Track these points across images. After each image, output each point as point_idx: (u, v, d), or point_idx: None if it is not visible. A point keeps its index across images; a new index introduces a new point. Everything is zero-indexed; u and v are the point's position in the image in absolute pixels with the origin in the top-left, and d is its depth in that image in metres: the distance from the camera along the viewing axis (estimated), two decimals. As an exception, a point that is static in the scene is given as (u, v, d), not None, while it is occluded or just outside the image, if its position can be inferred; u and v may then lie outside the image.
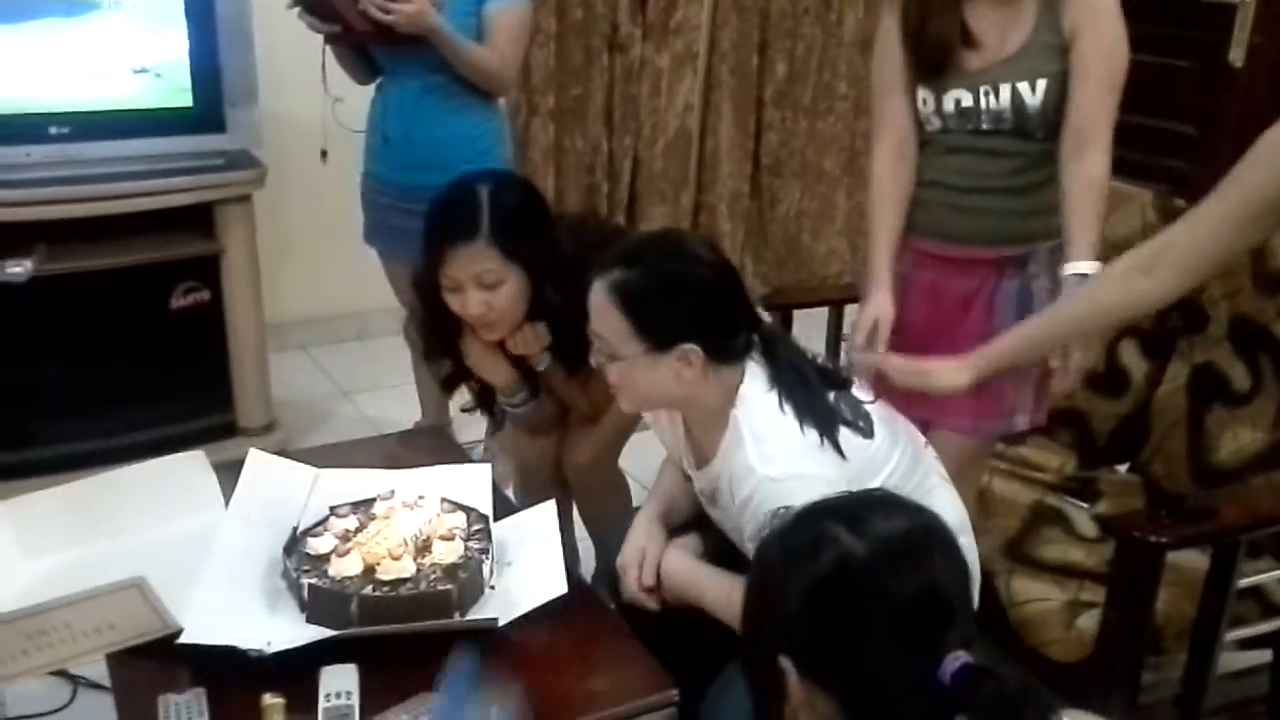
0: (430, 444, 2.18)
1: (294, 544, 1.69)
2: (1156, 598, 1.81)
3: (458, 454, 2.14)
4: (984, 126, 2.00)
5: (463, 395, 2.26)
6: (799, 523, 1.10)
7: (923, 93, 2.05)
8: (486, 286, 1.91)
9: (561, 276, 1.92)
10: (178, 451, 1.89)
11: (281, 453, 1.98)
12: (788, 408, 1.60)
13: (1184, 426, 2.35)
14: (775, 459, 1.56)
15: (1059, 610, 1.95)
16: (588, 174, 4.15)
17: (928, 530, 1.07)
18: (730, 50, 4.24)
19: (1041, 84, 1.94)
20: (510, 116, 3.70)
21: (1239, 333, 2.28)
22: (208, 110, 2.86)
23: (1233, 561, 1.84)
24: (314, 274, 3.89)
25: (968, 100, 2.00)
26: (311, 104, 2.81)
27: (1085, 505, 2.33)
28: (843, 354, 2.32)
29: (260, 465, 1.87)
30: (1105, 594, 1.88)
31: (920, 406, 1.94)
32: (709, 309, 1.62)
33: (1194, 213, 1.54)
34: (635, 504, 2.11)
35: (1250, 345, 2.26)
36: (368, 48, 2.70)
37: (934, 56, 2.00)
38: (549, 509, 1.83)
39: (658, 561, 1.74)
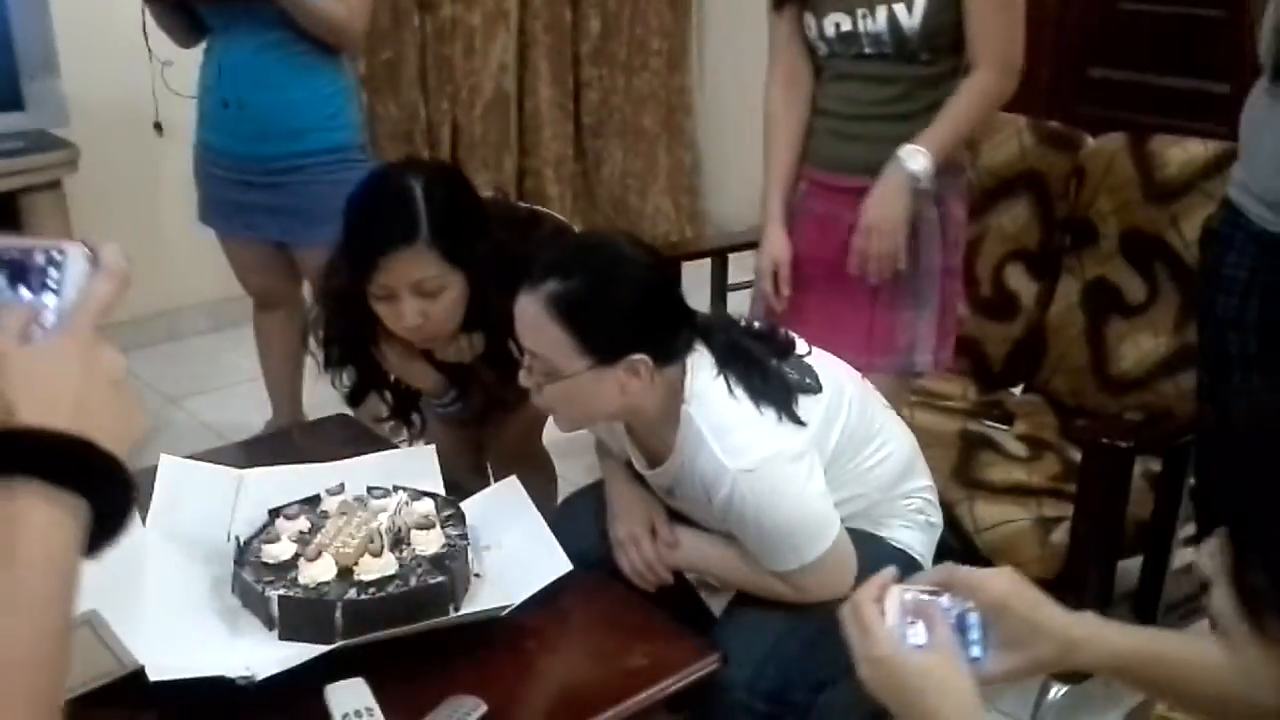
0: (343, 433, 1.95)
1: (245, 554, 1.46)
2: (1128, 503, 1.83)
3: (380, 440, 1.92)
4: (866, 51, 1.96)
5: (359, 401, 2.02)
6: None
7: (806, 17, 2.02)
8: (425, 295, 1.66)
9: (504, 278, 1.64)
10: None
11: (199, 457, 1.72)
12: (739, 391, 1.49)
13: (1083, 341, 2.41)
14: (742, 450, 1.47)
15: (1030, 529, 1.95)
16: (406, 142, 3.91)
17: None
18: (542, 6, 4.09)
19: (920, 4, 1.90)
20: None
21: (1131, 245, 2.34)
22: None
23: (1185, 460, 1.88)
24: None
25: (846, 24, 1.96)
26: (135, 72, 2.48)
27: (1005, 428, 2.35)
28: (750, 303, 2.25)
29: (175, 473, 1.62)
30: (1073, 507, 1.88)
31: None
32: (654, 314, 1.49)
33: None
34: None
35: (1144, 256, 2.32)
36: (190, 4, 2.40)
37: None
38: (514, 484, 1.67)
39: (662, 530, 1.62)
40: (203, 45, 2.50)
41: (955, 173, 2.04)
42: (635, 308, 1.47)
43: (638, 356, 1.45)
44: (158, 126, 2.57)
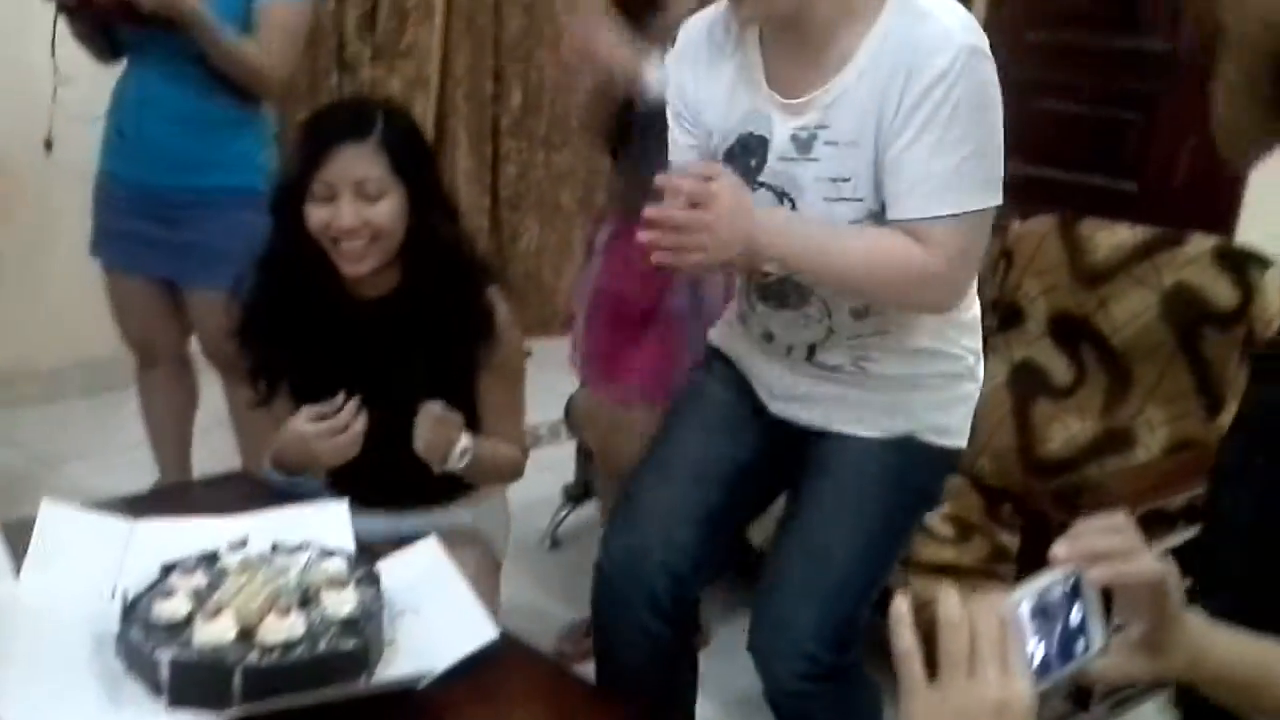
0: (243, 489, 1.80)
1: (133, 612, 1.31)
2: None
3: (285, 496, 1.78)
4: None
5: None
6: None
7: None
8: (366, 197, 1.63)
9: (445, 209, 1.72)
10: None
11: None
12: None
13: (1010, 423, 2.38)
14: (972, 28, 1.37)
15: (966, 609, 1.88)
16: (317, 204, 3.79)
17: None
18: (464, 75, 4.05)
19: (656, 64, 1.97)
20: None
21: (1059, 327, 2.34)
22: None
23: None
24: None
25: None
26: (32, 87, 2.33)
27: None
28: None
29: (58, 520, 1.47)
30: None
31: (615, 373, 2.20)
32: None
33: None
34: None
35: (1072, 338, 2.32)
36: (107, 22, 2.28)
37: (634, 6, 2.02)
38: (432, 544, 1.55)
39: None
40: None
41: None
42: None
43: None
44: (48, 144, 2.40)
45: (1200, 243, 2.18)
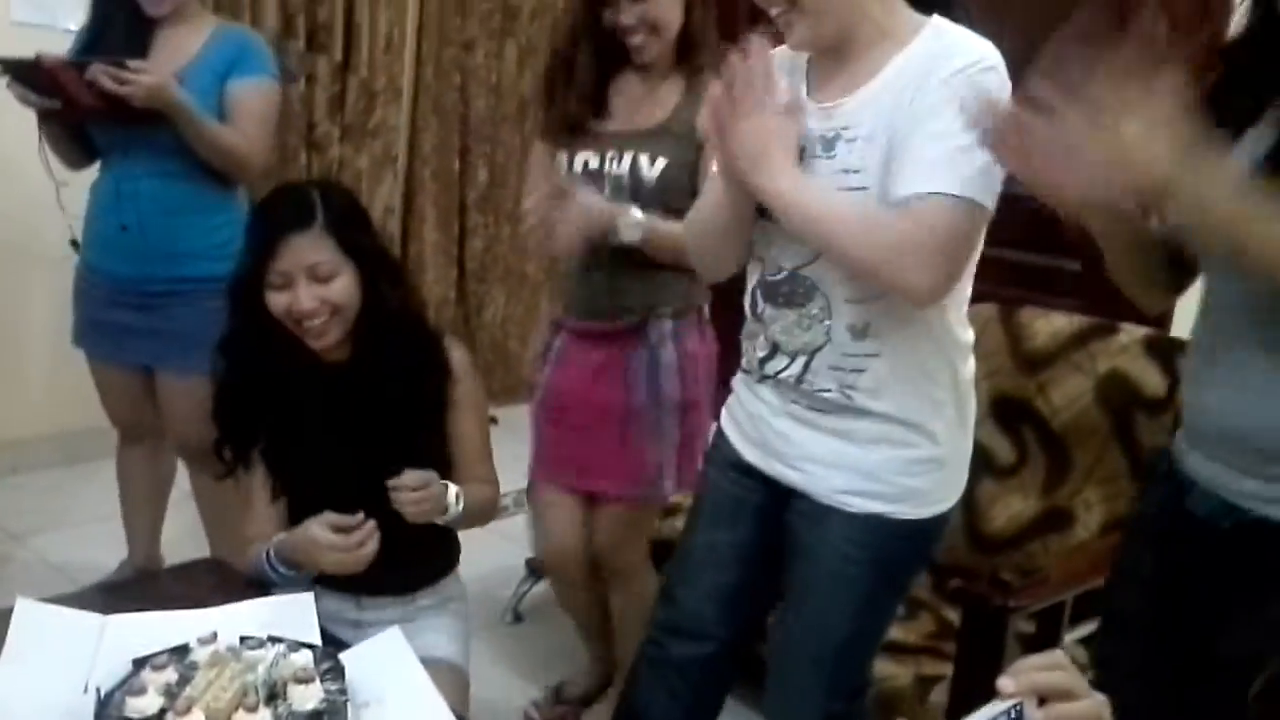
0: (213, 578, 1.85)
1: (106, 708, 1.36)
2: (1003, 660, 1.86)
3: (254, 586, 1.83)
4: (606, 191, 2.08)
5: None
6: None
7: (560, 154, 2.18)
8: (320, 280, 1.74)
9: (392, 275, 1.83)
10: None
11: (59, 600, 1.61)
12: None
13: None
14: (995, 54, 1.48)
15: (910, 686, 1.96)
16: (286, 280, 3.86)
17: None
18: (431, 154, 4.16)
19: (661, 162, 2.07)
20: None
21: (1001, 410, 2.44)
22: None
23: (1060, 620, 1.93)
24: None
25: (594, 163, 2.12)
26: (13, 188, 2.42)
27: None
28: None
29: (32, 617, 1.51)
30: (951, 666, 1.90)
31: (579, 477, 2.26)
32: None
33: None
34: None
35: (1014, 421, 2.42)
36: (87, 126, 2.36)
37: (566, 120, 2.14)
38: (395, 635, 1.61)
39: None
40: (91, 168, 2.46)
41: (688, 313, 2.23)
42: None
43: None
44: (75, 244, 2.48)
45: (1132, 332, 2.29)
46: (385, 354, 1.80)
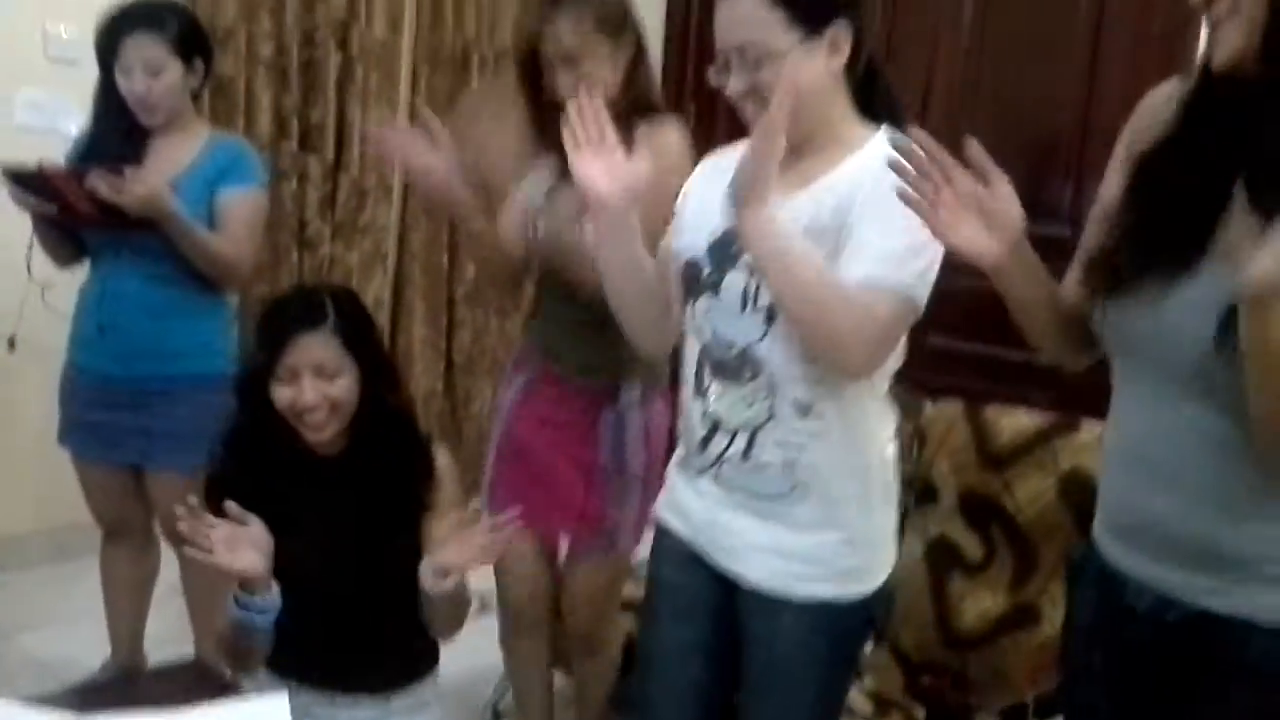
0: (191, 680, 1.89)
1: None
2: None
3: (229, 687, 1.87)
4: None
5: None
6: None
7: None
8: (324, 377, 1.85)
9: (390, 380, 1.96)
10: None
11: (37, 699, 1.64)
12: None
13: (927, 597, 2.51)
14: None
15: (877, 787, 1.98)
16: (275, 374, 3.92)
17: None
18: (420, 250, 4.25)
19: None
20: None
21: (969, 506, 2.49)
22: None
23: (1024, 717, 1.96)
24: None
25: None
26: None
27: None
28: None
29: (6, 715, 1.54)
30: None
31: (535, 518, 2.20)
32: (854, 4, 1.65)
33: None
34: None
35: (981, 517, 2.47)
36: (79, 230, 2.45)
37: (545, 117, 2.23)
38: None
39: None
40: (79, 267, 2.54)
41: (656, 383, 2.34)
42: None
43: (839, 22, 1.60)
44: (10, 343, 2.56)
45: (1093, 428, 2.34)
46: (376, 451, 1.90)
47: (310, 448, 1.90)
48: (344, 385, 1.87)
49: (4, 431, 3.37)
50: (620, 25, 2.21)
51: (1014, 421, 2.47)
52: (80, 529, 2.97)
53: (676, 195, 1.85)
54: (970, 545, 2.48)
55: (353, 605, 1.85)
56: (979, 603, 2.43)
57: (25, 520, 3.52)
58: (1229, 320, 1.25)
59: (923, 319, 1.62)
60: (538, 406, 2.37)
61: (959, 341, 3.77)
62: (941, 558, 2.51)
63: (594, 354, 2.28)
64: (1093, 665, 1.55)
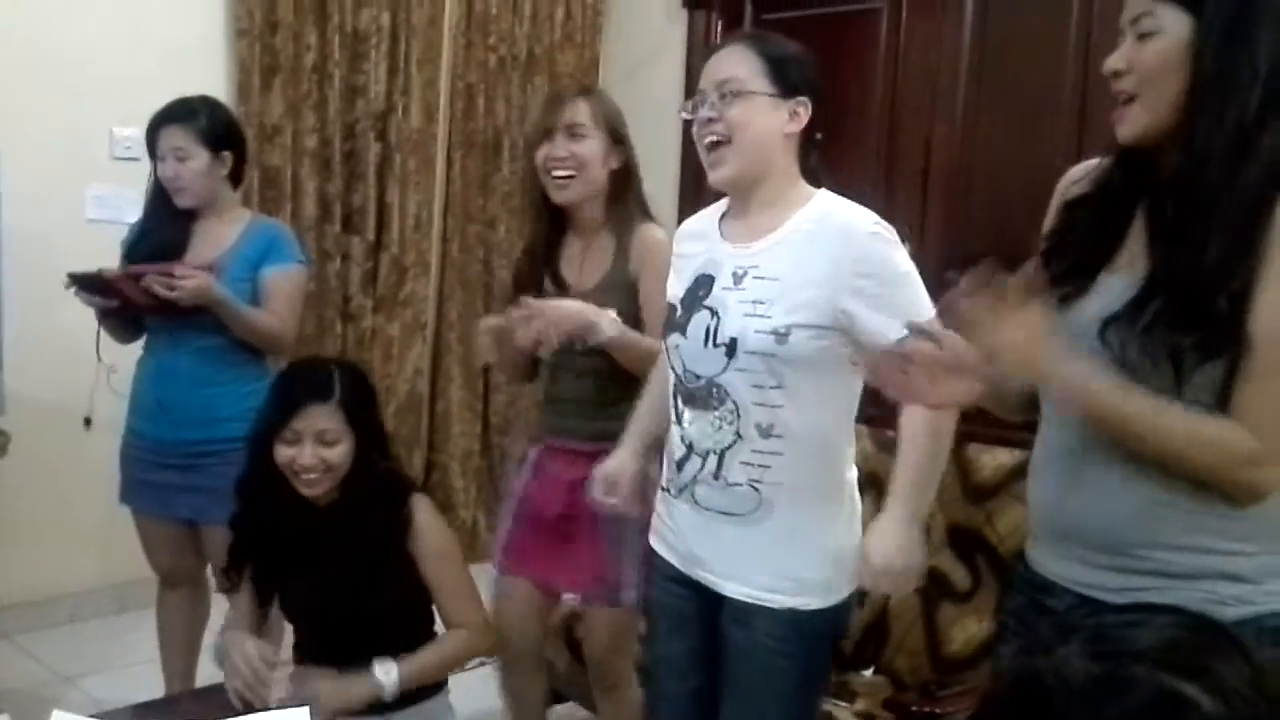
0: (223, 700, 2.10)
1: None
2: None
3: (248, 707, 2.08)
4: (577, 347, 2.34)
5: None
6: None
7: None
8: (324, 444, 2.07)
9: (382, 448, 2.18)
10: None
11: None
12: None
13: (920, 624, 2.66)
14: (876, 219, 1.84)
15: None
16: (322, 439, 4.18)
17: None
18: (457, 320, 4.51)
19: (610, 313, 2.32)
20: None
21: (955, 538, 2.65)
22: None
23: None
24: (27, 554, 3.67)
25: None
26: (73, 371, 2.78)
27: (845, 705, 2.55)
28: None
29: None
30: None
31: (543, 571, 2.49)
32: (819, 94, 1.91)
33: None
34: None
35: (967, 548, 2.62)
36: (140, 315, 2.73)
37: (524, 287, 2.46)
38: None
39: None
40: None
41: (658, 443, 2.44)
42: (811, 72, 1.91)
43: (803, 99, 1.86)
44: (87, 422, 2.84)
45: (1064, 462, 2.50)
46: (363, 504, 2.12)
47: (303, 497, 2.13)
48: (340, 451, 2.09)
49: (75, 500, 3.65)
50: (619, 138, 2.47)
51: (994, 458, 2.63)
52: (138, 584, 3.23)
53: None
54: (958, 575, 2.63)
55: (352, 633, 2.09)
56: (965, 629, 2.58)
57: (90, 576, 3.79)
58: (1103, 329, 1.44)
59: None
60: (550, 472, 2.52)
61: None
62: (932, 587, 2.66)
63: (598, 422, 2.40)
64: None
